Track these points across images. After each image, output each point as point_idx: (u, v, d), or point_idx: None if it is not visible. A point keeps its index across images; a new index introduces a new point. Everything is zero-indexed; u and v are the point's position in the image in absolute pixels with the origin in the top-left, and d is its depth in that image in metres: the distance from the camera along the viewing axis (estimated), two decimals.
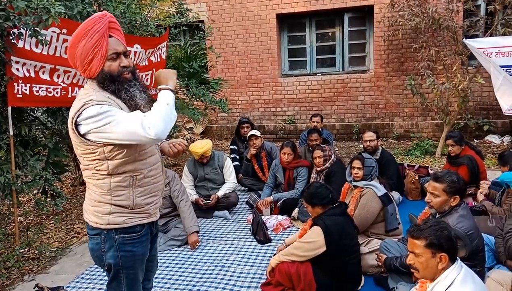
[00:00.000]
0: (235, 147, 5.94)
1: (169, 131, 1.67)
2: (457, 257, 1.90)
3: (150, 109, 1.69)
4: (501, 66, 4.94)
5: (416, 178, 4.86)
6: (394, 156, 5.55)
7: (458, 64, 6.29)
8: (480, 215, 3.63)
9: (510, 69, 4.91)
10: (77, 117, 1.65)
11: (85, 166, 1.78)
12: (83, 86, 3.80)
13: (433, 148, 7.07)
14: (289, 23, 8.98)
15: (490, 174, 5.04)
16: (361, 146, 6.22)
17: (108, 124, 1.62)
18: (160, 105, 1.66)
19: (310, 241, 2.84)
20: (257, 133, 5.42)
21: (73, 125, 1.66)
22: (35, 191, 5.13)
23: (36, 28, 3.10)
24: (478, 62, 5.71)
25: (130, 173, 1.77)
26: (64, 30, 3.46)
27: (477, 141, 7.70)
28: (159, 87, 1.75)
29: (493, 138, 7.63)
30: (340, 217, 2.92)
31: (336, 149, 7.32)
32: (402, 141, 8.27)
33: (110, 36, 1.73)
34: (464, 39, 5.86)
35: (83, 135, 1.66)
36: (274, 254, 3.27)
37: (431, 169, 5.51)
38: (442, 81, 6.40)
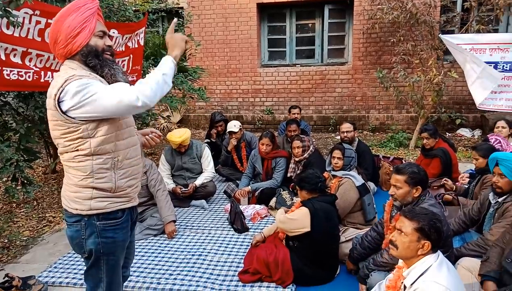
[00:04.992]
0: (210, 140, 5.88)
1: (157, 101, 1.70)
2: (438, 250, 1.96)
3: None
4: None
5: (391, 169, 4.95)
6: (369, 148, 5.64)
7: (434, 58, 6.42)
8: (451, 205, 3.75)
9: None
10: (60, 93, 1.62)
11: (65, 148, 1.73)
12: (56, 71, 3.70)
13: (407, 140, 7.23)
14: (270, 13, 8.93)
15: (461, 166, 5.21)
16: (338, 137, 6.29)
17: (93, 95, 1.61)
18: (154, 74, 1.69)
19: (295, 218, 2.92)
20: (236, 128, 5.23)
21: (56, 103, 1.62)
22: (5, 178, 4.96)
23: (7, 8, 2.96)
24: (453, 58, 5.84)
25: (111, 154, 1.76)
26: (37, 12, 3.32)
27: (450, 134, 7.92)
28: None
29: (465, 132, 7.87)
30: (329, 205, 3.00)
31: (313, 140, 7.38)
32: (377, 133, 8.43)
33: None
34: (440, 34, 5.98)
35: (65, 112, 1.63)
36: (252, 243, 3.29)
37: (405, 161, 5.64)
38: (417, 74, 6.53)
